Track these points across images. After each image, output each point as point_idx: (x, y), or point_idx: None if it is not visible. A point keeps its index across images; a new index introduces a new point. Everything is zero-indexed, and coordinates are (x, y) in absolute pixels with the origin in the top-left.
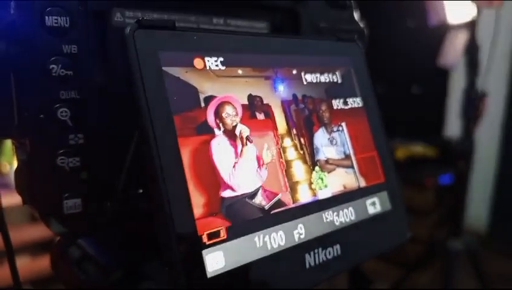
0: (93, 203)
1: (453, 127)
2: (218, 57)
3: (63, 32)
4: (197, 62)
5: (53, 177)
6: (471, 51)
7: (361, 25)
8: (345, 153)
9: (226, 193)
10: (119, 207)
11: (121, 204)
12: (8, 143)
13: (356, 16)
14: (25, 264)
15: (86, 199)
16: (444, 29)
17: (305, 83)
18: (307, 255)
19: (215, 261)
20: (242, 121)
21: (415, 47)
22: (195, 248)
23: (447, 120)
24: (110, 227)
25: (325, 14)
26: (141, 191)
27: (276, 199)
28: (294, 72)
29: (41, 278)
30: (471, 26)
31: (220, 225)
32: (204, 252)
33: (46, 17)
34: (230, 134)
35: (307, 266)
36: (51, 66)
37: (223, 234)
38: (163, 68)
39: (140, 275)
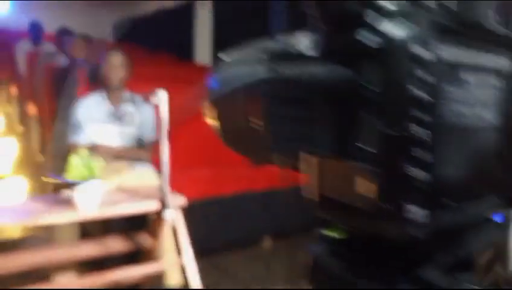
0: (430, 211)
1: None
2: None
3: (422, 62)
4: None
5: (400, 184)
6: None
7: None
8: None
9: None
10: (447, 217)
11: (450, 215)
12: (75, 160)
13: None
14: (72, 281)
15: (425, 207)
16: None
17: None
18: None
19: None
20: None
21: None
22: None
23: None
24: (433, 236)
25: None
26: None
27: None
28: None
29: None
30: None
31: None
32: None
33: (411, 47)
34: None
35: None
36: (409, 87)
37: None
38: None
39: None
